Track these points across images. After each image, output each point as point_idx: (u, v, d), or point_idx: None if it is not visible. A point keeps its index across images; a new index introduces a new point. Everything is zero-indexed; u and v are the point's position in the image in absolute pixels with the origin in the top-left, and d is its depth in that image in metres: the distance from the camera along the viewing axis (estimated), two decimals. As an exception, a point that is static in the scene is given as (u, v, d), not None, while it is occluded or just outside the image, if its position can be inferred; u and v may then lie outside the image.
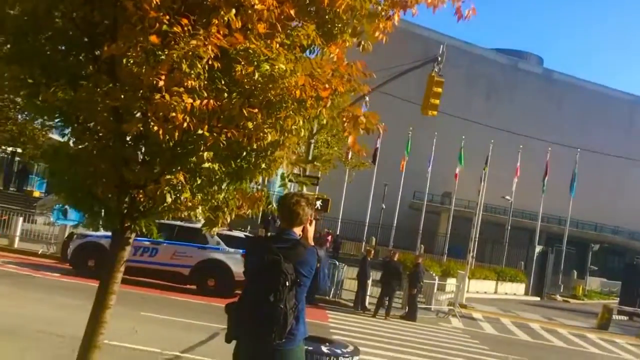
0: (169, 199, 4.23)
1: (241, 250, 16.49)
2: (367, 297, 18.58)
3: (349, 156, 29.90)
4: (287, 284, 3.64)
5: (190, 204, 4.56)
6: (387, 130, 4.46)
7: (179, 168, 4.24)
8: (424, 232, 43.80)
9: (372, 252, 19.67)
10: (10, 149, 35.27)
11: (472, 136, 41.17)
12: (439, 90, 15.88)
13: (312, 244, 4.07)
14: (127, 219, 4.50)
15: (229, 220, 5.06)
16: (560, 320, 25.10)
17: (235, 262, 16.30)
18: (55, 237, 20.64)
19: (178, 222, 16.29)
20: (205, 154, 4.12)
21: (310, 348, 4.38)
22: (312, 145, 21.86)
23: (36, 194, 37.32)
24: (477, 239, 28.02)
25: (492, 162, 35.38)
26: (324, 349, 4.59)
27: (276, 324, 3.60)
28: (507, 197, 38.72)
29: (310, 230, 4.17)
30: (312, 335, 4.36)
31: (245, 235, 18.45)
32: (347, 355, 4.60)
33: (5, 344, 7.98)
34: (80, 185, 4.46)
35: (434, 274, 22.20)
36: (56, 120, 4.63)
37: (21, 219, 20.87)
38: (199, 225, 16.84)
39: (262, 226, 35.24)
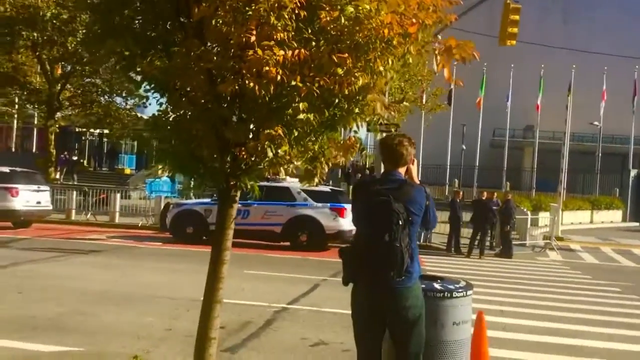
0: (270, 153, 4.30)
1: (329, 204, 16.72)
2: (460, 238, 18.45)
3: (424, 99, 29.30)
4: (400, 222, 3.67)
5: (288, 157, 4.61)
6: (477, 57, 4.28)
7: (275, 122, 4.29)
8: (508, 169, 42.70)
9: (461, 193, 19.40)
10: (97, 131, 37.05)
11: (551, 63, 39.29)
12: (516, 17, 15.16)
13: (418, 182, 4.06)
14: (231, 177, 4.63)
15: (326, 170, 5.09)
16: (664, 244, 24.05)
17: (324, 216, 16.59)
18: (152, 209, 21.70)
19: (265, 183, 16.69)
20: (301, 104, 4.14)
21: (423, 286, 4.40)
22: (387, 93, 21.54)
23: (127, 171, 39.15)
24: (566, 170, 27.00)
25: (575, 88, 33.73)
26: (437, 285, 4.61)
27: (394, 262, 3.65)
28: (595, 123, 36.97)
29: (414, 169, 4.15)
30: (421, 275, 4.37)
31: (330, 189, 18.65)
32: (460, 290, 4.60)
33: (124, 310, 8.54)
34: (183, 150, 4.61)
35: (525, 209, 21.73)
36: (152, 92, 4.76)
37: (118, 195, 22.00)
38: (286, 184, 17.27)
39: (343, 179, 35.56)
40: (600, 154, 39.36)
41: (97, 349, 6.52)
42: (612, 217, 33.33)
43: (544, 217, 22.71)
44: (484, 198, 18.38)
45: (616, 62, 40.08)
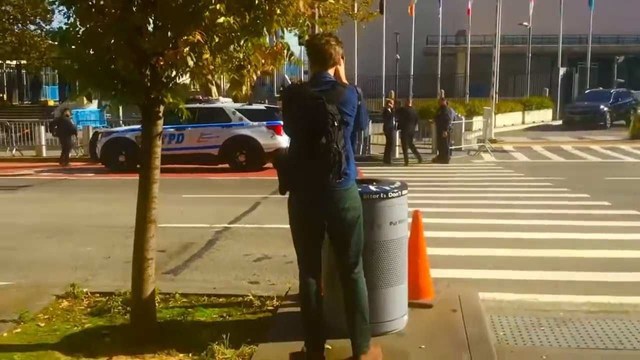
0: (190, 62, 4.04)
1: (265, 122, 16.46)
2: (397, 147, 18.64)
3: (356, 8, 28.68)
4: (335, 124, 3.55)
5: (212, 66, 4.37)
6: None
7: (194, 28, 4.01)
8: (442, 76, 43.00)
9: (393, 103, 19.48)
10: (14, 62, 34.87)
11: (481, -35, 38.93)
12: None
13: (346, 82, 3.92)
14: (152, 91, 4.37)
15: (254, 78, 4.88)
16: (591, 137, 25.11)
17: (261, 135, 16.35)
18: (79, 140, 20.84)
19: (198, 105, 16.18)
20: (218, 6, 3.88)
21: (359, 189, 4.35)
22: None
23: (50, 102, 37.31)
24: (498, 73, 27.35)
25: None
26: (372, 187, 4.57)
27: (332, 164, 3.57)
28: (525, 24, 37.34)
29: (342, 69, 3.99)
30: (356, 179, 4.31)
31: (265, 106, 18.33)
32: (395, 190, 4.58)
33: (59, 242, 8.29)
34: (97, 65, 4.30)
35: (459, 115, 22.06)
36: (57, 3, 4.35)
37: (42, 128, 20.96)
38: (219, 104, 16.80)
39: (279, 98, 35.10)
40: (530, 55, 40.03)
41: (34, 281, 6.30)
42: (543, 116, 34.37)
43: (477, 121, 23.17)
44: (409, 105, 18.61)
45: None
